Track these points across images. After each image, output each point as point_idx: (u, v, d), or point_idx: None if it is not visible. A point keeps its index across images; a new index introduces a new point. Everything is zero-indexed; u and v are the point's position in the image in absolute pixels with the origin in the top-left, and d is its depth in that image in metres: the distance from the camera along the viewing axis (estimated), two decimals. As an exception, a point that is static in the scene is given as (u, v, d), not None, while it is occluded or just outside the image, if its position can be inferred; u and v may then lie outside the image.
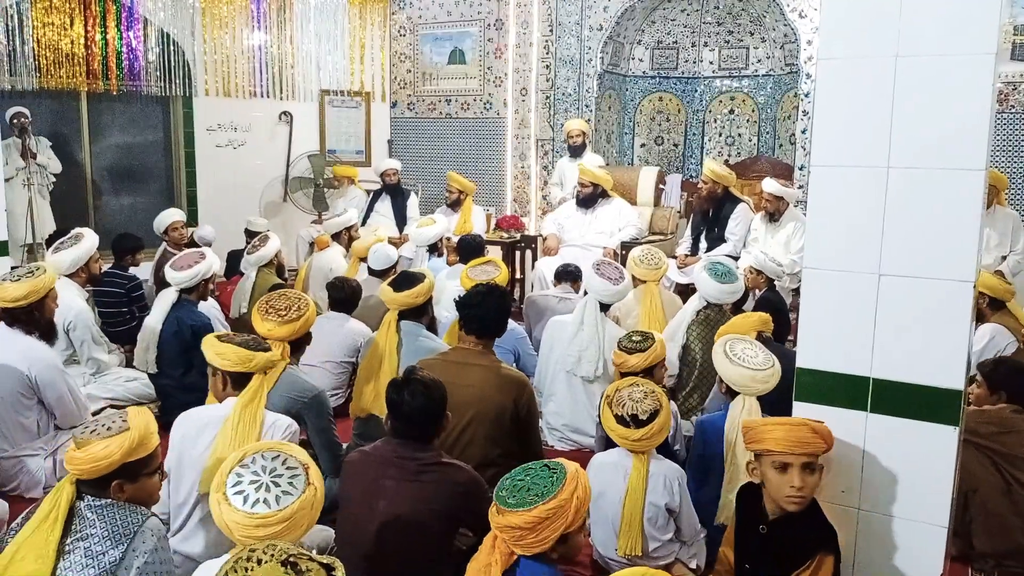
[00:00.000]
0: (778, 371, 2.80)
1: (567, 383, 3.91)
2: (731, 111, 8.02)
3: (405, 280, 3.68)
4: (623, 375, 3.21)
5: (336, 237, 6.13)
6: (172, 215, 6.06)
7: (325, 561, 1.54)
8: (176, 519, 2.58)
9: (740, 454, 2.67)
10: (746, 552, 2.34)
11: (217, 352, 2.69)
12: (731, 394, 2.89)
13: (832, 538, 2.19)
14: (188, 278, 4.10)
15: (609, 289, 3.93)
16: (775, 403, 2.77)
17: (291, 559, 1.51)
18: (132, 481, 2.06)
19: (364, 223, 7.02)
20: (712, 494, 2.86)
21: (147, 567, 2.01)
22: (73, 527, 2.00)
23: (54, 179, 6.67)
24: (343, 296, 4.37)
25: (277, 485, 1.86)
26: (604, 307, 3.96)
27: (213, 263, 4.29)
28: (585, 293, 4.10)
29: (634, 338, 3.33)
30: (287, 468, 1.91)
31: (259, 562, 1.50)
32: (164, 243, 5.97)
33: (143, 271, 5.56)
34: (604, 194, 6.17)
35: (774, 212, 5.45)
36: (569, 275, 4.98)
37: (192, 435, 2.60)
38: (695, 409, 3.87)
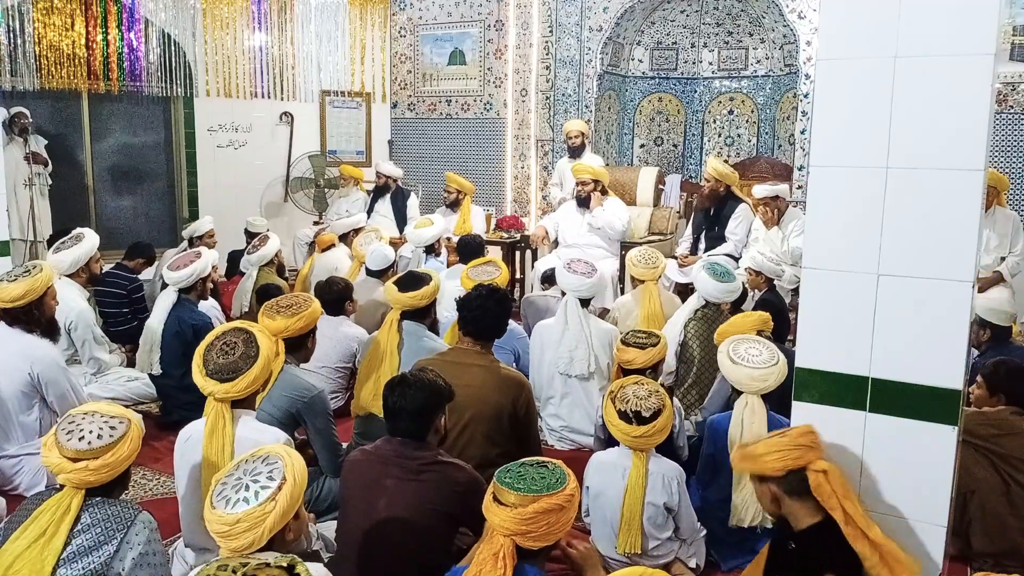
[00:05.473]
0: (781, 368, 2.80)
1: (563, 384, 3.92)
2: (730, 112, 8.03)
3: (411, 281, 3.67)
4: (625, 372, 3.22)
5: (343, 238, 6.13)
6: (208, 223, 6.15)
7: (285, 563, 1.49)
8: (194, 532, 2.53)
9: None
10: (776, 569, 2.30)
11: (196, 378, 2.53)
12: (736, 391, 2.90)
13: (844, 562, 2.07)
14: (184, 277, 4.10)
15: (584, 283, 3.93)
16: (780, 398, 2.78)
17: (248, 574, 1.45)
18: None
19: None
20: (721, 494, 2.87)
21: (142, 558, 2.04)
22: None
23: (49, 180, 6.68)
24: (332, 297, 4.24)
25: (256, 481, 1.84)
26: (584, 302, 3.97)
27: (209, 261, 4.28)
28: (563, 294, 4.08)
29: (639, 335, 3.34)
30: (266, 464, 1.89)
31: None
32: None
33: (148, 272, 5.56)
34: (604, 191, 6.10)
35: (775, 213, 5.43)
36: (553, 280, 5.00)
37: (189, 449, 2.54)
38: (694, 406, 3.89)
